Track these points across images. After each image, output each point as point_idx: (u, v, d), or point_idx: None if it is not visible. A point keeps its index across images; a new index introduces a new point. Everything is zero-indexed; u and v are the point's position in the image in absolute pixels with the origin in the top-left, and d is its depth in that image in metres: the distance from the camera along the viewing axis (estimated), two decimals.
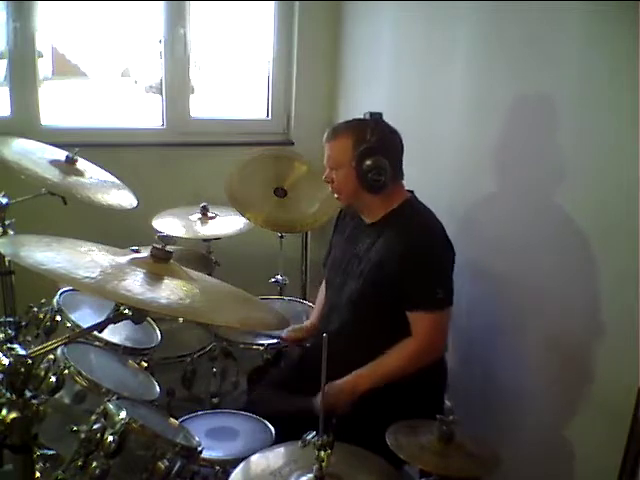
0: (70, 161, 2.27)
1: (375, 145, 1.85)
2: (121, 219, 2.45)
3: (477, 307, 2.24)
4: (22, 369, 1.13)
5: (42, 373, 1.51)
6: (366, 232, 1.97)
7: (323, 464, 1.26)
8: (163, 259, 1.36)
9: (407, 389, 1.82)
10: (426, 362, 1.85)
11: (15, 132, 2.47)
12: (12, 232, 2.15)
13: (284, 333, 2.20)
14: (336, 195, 1.99)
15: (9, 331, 2.11)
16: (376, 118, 1.90)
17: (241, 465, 1.41)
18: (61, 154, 2.28)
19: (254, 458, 1.45)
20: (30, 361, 1.15)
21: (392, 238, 1.86)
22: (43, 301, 1.94)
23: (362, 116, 1.92)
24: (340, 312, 1.99)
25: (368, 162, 1.84)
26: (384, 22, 2.83)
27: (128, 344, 1.92)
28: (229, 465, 1.59)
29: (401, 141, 1.94)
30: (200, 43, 3.26)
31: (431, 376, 1.92)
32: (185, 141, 3.21)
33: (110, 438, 1.36)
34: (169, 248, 1.38)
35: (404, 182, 1.99)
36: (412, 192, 2.00)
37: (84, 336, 1.77)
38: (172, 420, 1.65)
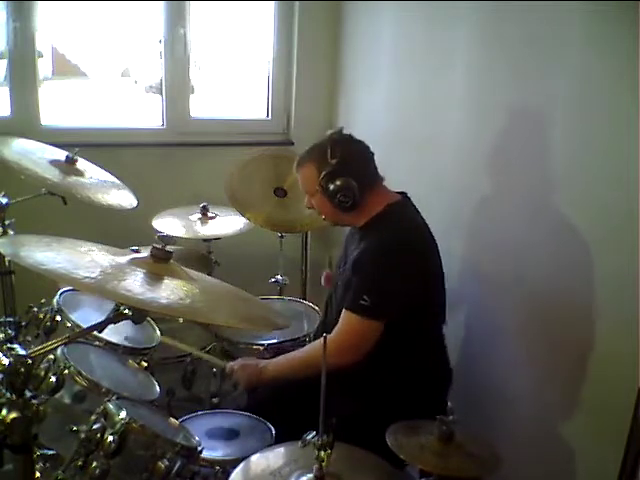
0: (70, 161, 2.27)
1: (336, 167, 1.86)
2: (121, 219, 2.45)
3: (477, 308, 2.24)
4: (22, 369, 1.13)
5: (42, 373, 1.51)
6: (356, 236, 2.00)
7: (323, 464, 1.26)
8: (163, 259, 1.36)
9: (407, 390, 1.82)
10: (334, 363, 1.63)
11: (15, 132, 2.47)
12: (12, 232, 2.15)
13: None
14: (323, 218, 2.03)
15: (9, 331, 2.11)
16: (333, 138, 1.91)
17: (241, 465, 1.41)
18: (61, 154, 2.28)
19: (254, 458, 1.44)
20: (30, 361, 1.15)
21: (364, 244, 1.89)
22: (43, 301, 1.94)
23: (327, 135, 1.93)
24: (334, 308, 2.01)
25: (332, 186, 1.86)
26: (384, 22, 2.83)
27: (128, 344, 1.92)
28: (229, 465, 1.59)
29: (367, 149, 1.94)
30: (200, 43, 3.26)
31: (433, 378, 1.91)
32: (185, 141, 3.21)
33: (110, 438, 1.36)
34: (169, 248, 1.38)
35: (386, 185, 1.98)
36: (404, 194, 1.99)
37: (84, 336, 1.77)
38: (172, 420, 1.65)
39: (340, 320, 1.86)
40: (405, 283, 1.82)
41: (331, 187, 1.86)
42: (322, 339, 1.76)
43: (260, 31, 3.38)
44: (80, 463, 1.36)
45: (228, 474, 1.44)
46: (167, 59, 3.16)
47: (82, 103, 3.94)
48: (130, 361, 1.86)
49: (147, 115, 3.49)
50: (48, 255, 1.28)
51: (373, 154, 1.95)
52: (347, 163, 1.88)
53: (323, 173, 1.86)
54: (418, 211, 1.97)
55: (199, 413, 1.90)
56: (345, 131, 1.96)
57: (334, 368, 1.47)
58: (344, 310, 1.86)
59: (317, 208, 1.98)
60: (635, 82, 1.54)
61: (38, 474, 1.44)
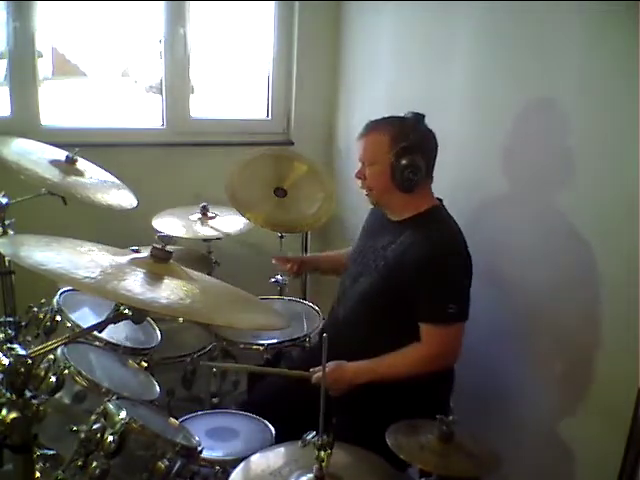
0: (70, 161, 2.27)
1: (415, 144, 1.84)
2: (121, 219, 2.44)
3: (478, 309, 2.23)
4: (22, 369, 1.13)
5: (42, 373, 1.51)
6: (388, 228, 1.95)
7: (323, 464, 1.26)
8: (163, 259, 1.36)
9: (407, 390, 1.81)
10: (433, 370, 1.83)
11: (15, 132, 2.47)
12: (12, 232, 2.15)
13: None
14: (366, 192, 1.97)
15: (9, 331, 2.11)
16: (417, 117, 1.89)
17: (241, 465, 1.41)
18: (61, 154, 2.28)
19: (254, 458, 1.44)
20: (30, 361, 1.15)
21: (412, 242, 1.84)
22: (43, 301, 1.94)
23: (408, 113, 1.91)
24: (350, 301, 1.98)
25: (405, 160, 1.83)
26: (384, 22, 2.83)
27: (128, 344, 1.92)
28: (229, 465, 1.59)
29: (436, 142, 1.93)
30: (200, 43, 3.25)
31: (437, 379, 1.90)
32: (185, 141, 3.21)
33: (110, 438, 1.36)
34: (169, 248, 1.38)
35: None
36: (441, 200, 1.99)
37: (84, 336, 1.77)
38: (172, 420, 1.65)
39: (429, 333, 1.82)
40: (469, 281, 1.86)
41: (404, 160, 1.82)
42: (411, 346, 1.82)
43: (260, 31, 3.38)
44: (80, 463, 1.36)
45: (228, 474, 1.44)
46: (167, 59, 3.16)
47: (82, 103, 3.94)
48: (130, 361, 1.86)
49: (147, 115, 3.49)
50: (48, 255, 1.28)
51: (437, 149, 1.94)
52: (424, 146, 1.87)
53: (402, 144, 1.83)
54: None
55: (199, 413, 1.90)
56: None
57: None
58: (431, 324, 1.81)
59: (369, 179, 1.92)
60: (635, 82, 1.54)
61: (38, 474, 1.44)
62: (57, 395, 1.53)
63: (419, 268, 1.79)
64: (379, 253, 1.92)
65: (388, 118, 1.92)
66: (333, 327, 2.00)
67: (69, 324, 1.81)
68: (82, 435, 1.38)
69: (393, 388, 1.81)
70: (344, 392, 1.80)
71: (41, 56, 3.08)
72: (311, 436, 1.30)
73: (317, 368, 1.85)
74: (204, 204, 2.78)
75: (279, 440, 1.69)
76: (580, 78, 1.76)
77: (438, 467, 1.36)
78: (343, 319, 1.98)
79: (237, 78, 3.78)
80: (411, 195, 1.88)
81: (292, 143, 3.35)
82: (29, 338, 1.90)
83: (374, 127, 1.91)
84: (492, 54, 2.13)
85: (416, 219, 1.90)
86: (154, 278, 1.30)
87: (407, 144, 1.83)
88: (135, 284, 1.24)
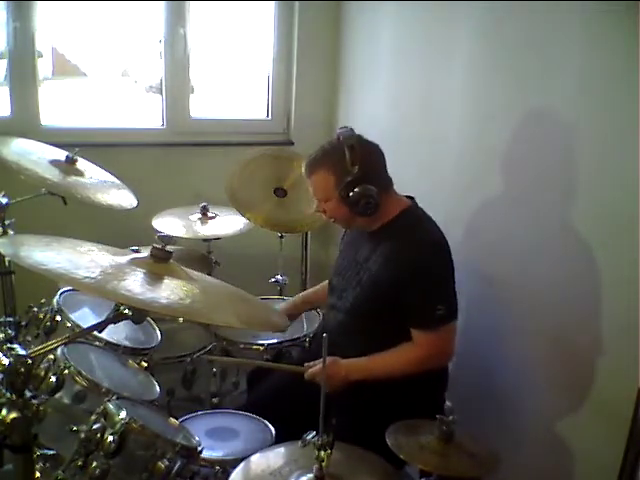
0: (70, 161, 2.27)
1: (359, 174, 1.79)
2: (121, 219, 2.45)
3: (478, 309, 2.23)
4: (22, 369, 1.14)
5: (42, 373, 1.51)
6: (366, 239, 1.96)
7: (323, 464, 1.26)
8: (163, 259, 1.36)
9: (407, 390, 1.82)
10: (426, 369, 1.84)
11: (15, 132, 2.47)
12: (12, 232, 2.15)
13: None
14: (332, 222, 1.98)
15: (9, 331, 2.11)
16: (350, 143, 1.81)
17: (241, 465, 1.41)
18: (61, 154, 2.28)
19: (254, 458, 1.45)
20: (30, 361, 1.15)
21: (392, 251, 1.84)
22: (43, 301, 1.94)
23: (336, 136, 1.85)
24: (340, 314, 1.99)
25: (354, 193, 1.80)
26: (384, 22, 2.83)
27: (128, 344, 1.92)
28: (229, 465, 1.59)
29: (380, 152, 1.90)
30: (200, 43, 3.25)
31: (431, 377, 1.91)
32: (185, 141, 3.21)
33: (110, 438, 1.36)
34: (169, 248, 1.38)
35: (396, 188, 1.95)
36: (412, 198, 1.98)
37: (84, 336, 1.77)
38: (172, 420, 1.65)
39: (420, 338, 1.82)
40: (453, 277, 1.85)
41: (352, 195, 1.79)
42: (405, 345, 1.82)
43: (260, 31, 3.37)
44: (80, 463, 1.37)
45: (228, 474, 1.44)
46: (167, 59, 3.16)
47: (82, 103, 3.93)
48: (130, 361, 1.86)
49: (147, 115, 3.49)
50: (48, 255, 1.29)
51: (384, 155, 1.91)
52: (367, 169, 1.81)
53: (345, 181, 1.79)
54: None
55: (199, 413, 1.90)
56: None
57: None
58: (421, 330, 1.82)
59: (330, 213, 1.92)
60: (635, 82, 1.54)
61: (38, 474, 1.44)
62: (57, 395, 1.53)
63: (403, 278, 1.79)
64: (361, 266, 1.92)
65: (324, 151, 1.87)
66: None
67: (69, 324, 1.81)
68: (82, 435, 1.39)
69: (392, 388, 1.81)
70: (337, 388, 1.79)
71: (41, 56, 3.08)
72: (311, 436, 1.30)
73: (311, 363, 1.88)
74: (204, 204, 2.78)
75: (279, 440, 1.68)
76: (580, 78, 1.76)
77: (438, 467, 1.36)
78: (335, 331, 1.93)
79: (237, 78, 3.78)
80: (379, 213, 1.86)
81: (292, 143, 3.35)
82: (29, 338, 1.90)
83: (314, 167, 1.87)
84: (492, 54, 2.13)
85: (389, 227, 1.89)
86: (154, 278, 1.30)
87: (352, 178, 1.79)
88: (135, 284, 1.24)
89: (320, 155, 1.88)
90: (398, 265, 1.81)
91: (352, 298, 1.93)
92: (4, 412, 1.13)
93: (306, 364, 1.89)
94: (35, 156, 2.22)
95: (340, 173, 1.81)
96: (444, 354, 1.88)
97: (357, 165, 1.80)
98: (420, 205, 1.97)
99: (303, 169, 1.94)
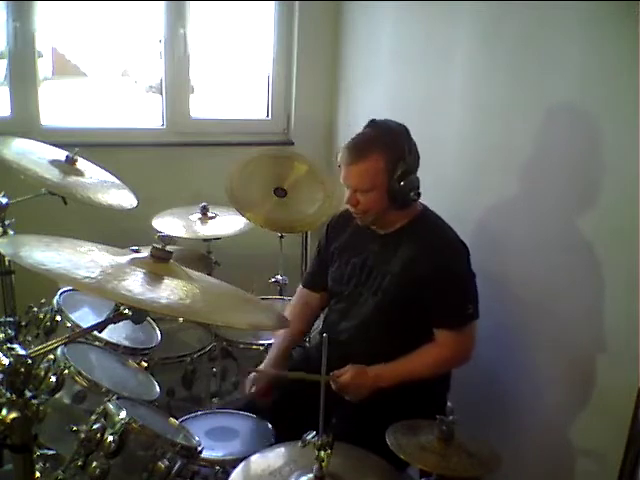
0: (70, 161, 2.26)
1: (412, 163, 1.74)
2: (121, 219, 2.45)
3: (479, 308, 2.23)
4: (22, 369, 1.13)
5: (42, 373, 1.51)
6: (378, 242, 1.90)
7: (323, 464, 1.26)
8: (163, 259, 1.36)
9: (409, 390, 1.81)
10: (452, 368, 1.87)
11: (15, 132, 2.47)
12: (12, 232, 2.15)
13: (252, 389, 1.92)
14: (359, 215, 1.86)
15: (9, 331, 2.11)
16: (402, 131, 1.76)
17: (241, 465, 1.41)
18: (61, 154, 2.28)
19: (254, 458, 1.45)
20: (30, 361, 1.15)
21: (418, 251, 1.80)
22: (43, 301, 1.94)
23: (377, 123, 1.79)
24: (355, 320, 1.92)
25: (405, 182, 1.73)
26: (384, 22, 2.83)
27: (128, 344, 1.92)
28: (229, 465, 1.59)
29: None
30: (200, 43, 3.25)
31: (435, 379, 1.90)
32: (185, 141, 3.21)
33: (110, 438, 1.36)
34: (169, 248, 1.38)
35: None
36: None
37: (84, 336, 1.77)
38: (172, 420, 1.65)
39: (446, 337, 1.81)
40: (474, 273, 1.85)
41: (403, 183, 1.73)
42: (428, 347, 1.81)
43: (260, 31, 3.37)
44: (80, 463, 1.37)
45: (228, 474, 1.44)
46: (167, 59, 3.16)
47: (82, 103, 3.94)
48: (130, 361, 1.86)
49: (147, 115, 3.49)
50: (48, 255, 1.28)
51: None
52: (417, 161, 1.78)
53: (401, 168, 1.71)
54: None
55: (199, 413, 1.90)
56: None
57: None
58: (450, 330, 1.80)
59: (366, 205, 1.80)
60: (635, 82, 1.54)
61: (38, 474, 1.44)
62: (57, 395, 1.53)
63: (433, 276, 1.76)
64: (379, 270, 1.86)
65: (376, 136, 1.76)
66: (333, 349, 1.92)
67: (69, 324, 1.81)
68: (82, 435, 1.39)
69: (392, 389, 1.81)
70: (364, 397, 1.75)
71: (41, 56, 3.08)
72: (311, 436, 1.30)
73: (337, 372, 1.75)
74: (204, 204, 2.78)
75: (279, 440, 1.68)
76: (580, 78, 1.76)
77: (438, 467, 1.36)
78: (348, 340, 1.90)
79: (237, 78, 3.78)
80: (404, 208, 1.84)
81: (292, 143, 3.35)
82: (29, 338, 1.90)
83: (365, 152, 1.74)
84: (492, 54, 2.13)
85: (411, 227, 1.86)
86: (154, 278, 1.30)
87: (405, 167, 1.73)
88: (135, 284, 1.24)
89: (373, 139, 1.76)
90: (426, 265, 1.77)
91: (374, 303, 1.87)
92: (4, 412, 1.13)
93: (332, 373, 1.74)
94: (35, 156, 2.22)
95: (393, 160, 1.72)
96: (468, 352, 1.86)
97: (413, 155, 1.74)
98: None
99: (344, 156, 1.78)
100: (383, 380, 1.78)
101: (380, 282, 1.86)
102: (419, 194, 1.81)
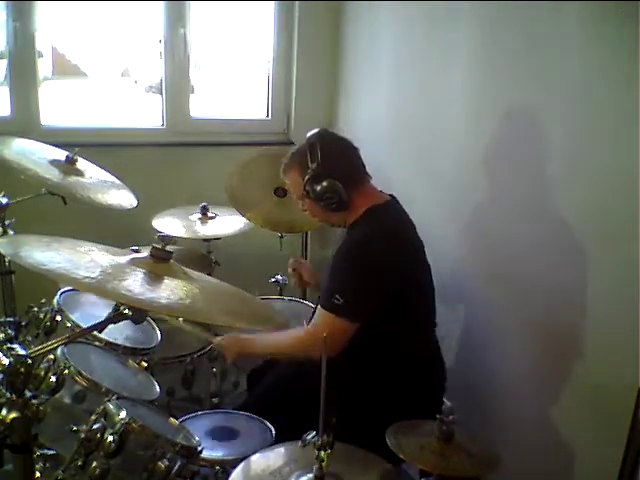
0: (70, 161, 2.27)
1: (316, 171, 1.84)
2: (121, 219, 2.45)
3: (476, 308, 2.24)
4: (22, 369, 1.13)
5: (42, 373, 1.51)
6: (342, 237, 1.99)
7: (323, 464, 1.26)
8: (163, 259, 1.36)
9: (406, 389, 1.82)
10: (311, 355, 1.69)
11: (15, 132, 2.47)
12: (12, 232, 2.15)
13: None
14: (317, 219, 2.03)
15: (9, 331, 2.11)
16: (311, 141, 1.88)
17: (241, 465, 1.41)
18: (61, 154, 2.28)
19: (254, 458, 1.45)
20: (30, 361, 1.15)
21: (340, 246, 1.90)
22: (43, 301, 1.94)
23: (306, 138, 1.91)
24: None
25: (316, 190, 1.85)
26: (384, 22, 2.83)
27: (128, 344, 1.92)
28: (229, 465, 1.59)
29: (348, 146, 1.93)
30: (200, 43, 3.26)
31: (429, 376, 1.91)
32: (185, 141, 3.21)
33: (110, 438, 1.36)
34: (169, 248, 1.38)
35: (375, 184, 1.95)
36: (391, 196, 1.96)
37: (84, 336, 1.77)
38: (172, 420, 1.65)
39: (317, 314, 1.87)
40: (381, 284, 1.80)
41: (315, 191, 1.85)
42: (298, 329, 1.88)
43: (260, 31, 3.38)
44: (80, 463, 1.37)
45: (228, 474, 1.44)
46: (167, 59, 3.16)
47: (82, 103, 3.94)
48: (130, 361, 1.86)
49: (147, 115, 3.49)
50: (48, 255, 1.28)
51: (357, 149, 1.93)
52: (328, 164, 1.85)
53: (306, 178, 1.86)
54: (405, 212, 1.94)
55: (199, 413, 1.90)
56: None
57: (307, 356, 1.74)
58: (318, 306, 1.88)
59: (309, 211, 1.98)
60: (635, 82, 1.54)
61: (38, 474, 1.44)
62: (57, 395, 1.53)
63: (332, 260, 1.88)
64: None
65: (292, 154, 1.95)
66: None
67: (69, 324, 1.81)
68: (82, 435, 1.39)
69: (391, 388, 1.81)
70: (235, 358, 1.96)
71: (41, 56, 3.08)
72: (311, 436, 1.30)
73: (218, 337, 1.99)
74: (204, 204, 2.78)
75: (279, 440, 1.68)
76: (580, 78, 1.76)
77: (438, 467, 1.36)
78: None
79: (237, 78, 3.78)
80: (348, 209, 1.89)
81: (292, 143, 3.34)
82: (29, 338, 1.90)
83: (285, 169, 1.96)
84: (492, 54, 2.13)
85: (354, 224, 1.92)
86: (154, 278, 1.30)
87: (310, 175, 1.85)
88: (135, 284, 1.24)
89: (289, 157, 1.96)
90: (334, 253, 1.89)
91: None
92: (4, 412, 1.13)
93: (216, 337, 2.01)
94: (35, 156, 2.22)
95: (302, 171, 1.88)
96: (329, 342, 1.64)
97: (316, 162, 1.85)
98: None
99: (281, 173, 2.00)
100: (248, 348, 1.98)
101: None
102: (340, 197, 1.85)
